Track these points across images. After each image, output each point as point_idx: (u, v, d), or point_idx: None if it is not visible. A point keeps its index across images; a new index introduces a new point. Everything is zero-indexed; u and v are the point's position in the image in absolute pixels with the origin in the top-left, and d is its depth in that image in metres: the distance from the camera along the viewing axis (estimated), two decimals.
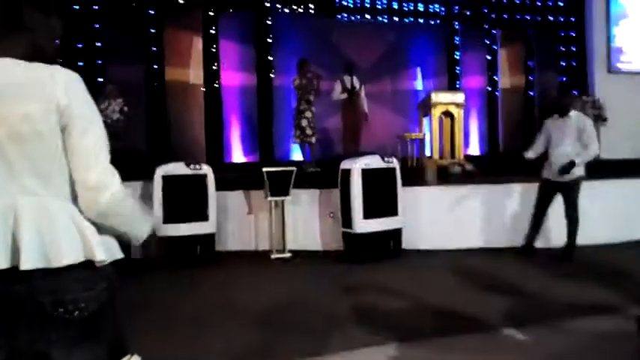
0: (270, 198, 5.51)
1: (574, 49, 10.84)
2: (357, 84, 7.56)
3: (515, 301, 3.69)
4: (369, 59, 8.07)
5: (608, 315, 3.28)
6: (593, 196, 5.80)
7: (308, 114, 7.18)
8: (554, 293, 3.84)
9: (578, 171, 4.90)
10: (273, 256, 5.48)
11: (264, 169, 5.49)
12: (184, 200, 5.28)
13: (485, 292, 3.96)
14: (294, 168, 5.62)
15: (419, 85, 10.47)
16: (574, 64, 10.83)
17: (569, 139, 4.93)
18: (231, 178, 6.41)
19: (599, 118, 9.89)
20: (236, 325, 3.37)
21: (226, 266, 5.25)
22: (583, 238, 5.54)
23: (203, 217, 5.36)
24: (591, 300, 3.62)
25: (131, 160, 6.86)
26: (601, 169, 7.52)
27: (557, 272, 4.49)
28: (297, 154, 8.55)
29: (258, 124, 8.98)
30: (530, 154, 5.19)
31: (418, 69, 10.43)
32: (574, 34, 10.80)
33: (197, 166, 5.43)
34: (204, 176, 5.43)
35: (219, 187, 5.58)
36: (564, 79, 10.84)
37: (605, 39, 10.61)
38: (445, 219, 5.68)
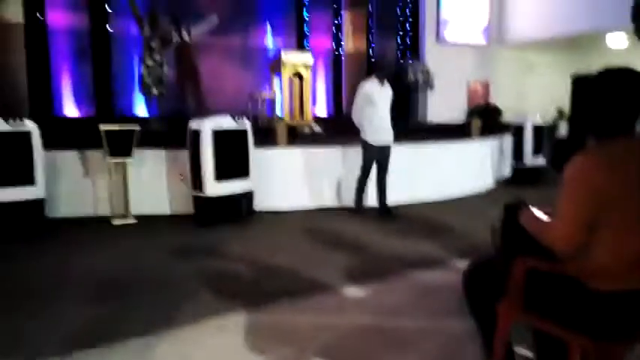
0: (109, 159, 5.08)
1: (409, 17, 11.65)
2: (185, 36, 7.21)
3: (356, 259, 4.01)
4: (218, 11, 7.72)
5: (436, 268, 3.76)
6: (417, 157, 6.45)
7: (148, 61, 6.72)
8: (389, 249, 4.26)
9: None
10: (115, 222, 5.12)
11: (103, 128, 5.01)
12: (4, 161, 4.59)
13: (331, 251, 4.23)
14: (136, 127, 5.23)
15: (269, 42, 10.38)
16: (409, 31, 11.66)
17: (387, 105, 5.43)
18: (63, 134, 5.74)
19: (427, 85, 10.93)
20: (75, 302, 3.10)
21: (60, 235, 4.76)
22: (410, 196, 6.20)
23: (28, 180, 4.73)
24: (421, 254, 4.09)
25: None
26: (427, 131, 8.41)
27: (392, 229, 4.97)
28: (141, 109, 7.96)
29: (94, 74, 8.09)
30: (359, 119, 5.40)
31: (268, 25, 10.30)
32: (410, 4, 11.57)
33: (18, 121, 4.72)
34: (28, 133, 4.76)
35: (48, 145, 4.94)
36: (400, 46, 11.65)
37: (435, 11, 11.62)
38: (296, 180, 5.86)
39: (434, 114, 10.98)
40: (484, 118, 8.41)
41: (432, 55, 11.37)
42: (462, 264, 3.59)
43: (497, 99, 11.70)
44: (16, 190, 4.63)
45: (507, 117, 9.57)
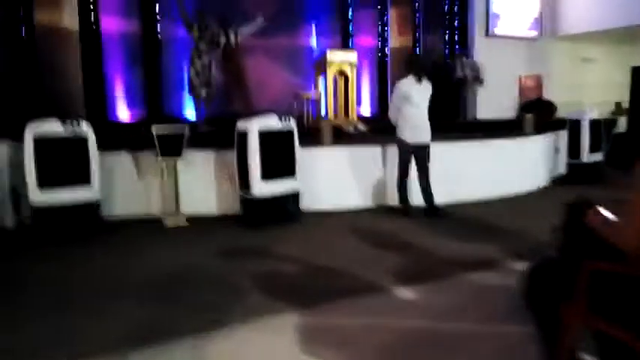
0: (161, 160, 5.21)
1: (457, 12, 11.37)
2: (232, 38, 7.26)
3: (406, 260, 3.92)
4: (263, 13, 7.78)
5: (490, 269, 3.61)
6: (467, 154, 6.27)
7: (196, 64, 6.85)
8: (440, 249, 4.14)
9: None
10: (167, 221, 5.23)
11: (154, 129, 5.13)
12: (62, 163, 4.75)
13: (380, 252, 4.16)
14: (186, 128, 5.33)
15: (313, 42, 10.39)
16: (457, 26, 11.38)
17: (425, 103, 5.32)
18: (117, 136, 5.94)
19: (477, 80, 10.63)
20: (127, 301, 3.18)
21: (114, 235, 4.90)
22: (460, 195, 6.02)
23: (85, 181, 4.89)
24: (474, 255, 3.95)
25: None
26: (477, 128, 8.18)
27: (442, 229, 4.83)
28: (190, 110, 8.15)
29: (145, 77, 8.33)
30: (396, 118, 5.35)
31: (313, 26, 10.31)
32: None
33: (75, 124, 4.89)
34: (84, 136, 4.92)
35: (103, 146, 5.10)
36: (448, 41, 11.38)
37: (484, 4, 11.31)
38: (342, 179, 5.81)
39: (484, 110, 10.66)
40: (537, 114, 8.07)
41: (481, 49, 11.06)
42: (518, 265, 3.46)
43: (550, 93, 11.25)
44: (73, 192, 4.79)
45: (562, 112, 9.17)
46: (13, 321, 2.90)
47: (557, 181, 7.46)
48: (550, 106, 9.62)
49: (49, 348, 2.56)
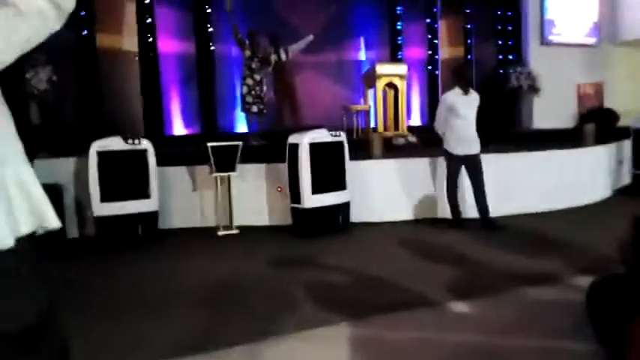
0: (215, 174, 5.36)
1: (510, 20, 11.10)
2: (283, 55, 7.39)
3: (460, 273, 3.83)
4: (313, 29, 7.91)
5: (549, 284, 3.46)
6: (523, 166, 6.06)
7: (249, 81, 7.01)
8: (495, 263, 4.01)
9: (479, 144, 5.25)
10: (220, 232, 5.37)
11: (209, 144, 5.30)
12: (123, 177, 5.02)
13: (432, 264, 4.08)
14: (239, 142, 5.47)
15: (362, 55, 10.43)
16: (510, 35, 11.10)
17: (472, 114, 5.20)
18: (173, 152, 6.17)
19: (533, 89, 10.31)
20: (184, 308, 3.28)
21: (171, 245, 5.09)
22: (515, 208, 5.82)
23: (144, 194, 5.14)
24: (532, 269, 3.80)
25: (61, 133, 6.45)
26: (533, 139, 7.90)
27: (497, 242, 4.68)
28: (242, 126, 8.36)
29: (200, 95, 8.64)
30: (442, 130, 5.31)
31: (361, 39, 10.37)
32: (510, 6, 11.05)
33: (135, 141, 5.16)
34: (144, 151, 5.18)
35: (161, 162, 5.35)
36: (501, 50, 11.12)
37: (539, 11, 10.99)
38: (392, 191, 5.76)
39: (541, 120, 10.31)
40: (598, 123, 7.71)
41: (536, 58, 10.73)
42: (581, 280, 3.29)
43: (611, 101, 10.74)
44: (134, 203, 5.05)
45: (625, 121, 8.72)
46: (71, 324, 3.04)
47: (621, 193, 7.08)
48: (611, 115, 9.17)
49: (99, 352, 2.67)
